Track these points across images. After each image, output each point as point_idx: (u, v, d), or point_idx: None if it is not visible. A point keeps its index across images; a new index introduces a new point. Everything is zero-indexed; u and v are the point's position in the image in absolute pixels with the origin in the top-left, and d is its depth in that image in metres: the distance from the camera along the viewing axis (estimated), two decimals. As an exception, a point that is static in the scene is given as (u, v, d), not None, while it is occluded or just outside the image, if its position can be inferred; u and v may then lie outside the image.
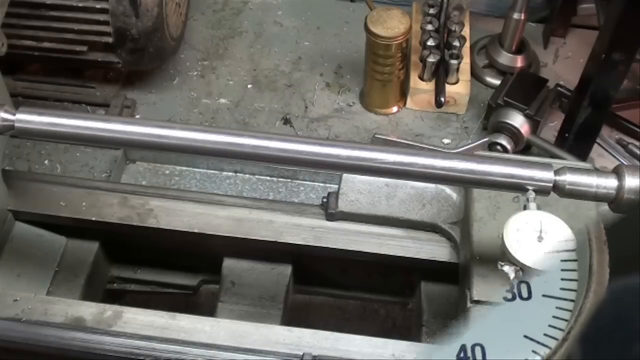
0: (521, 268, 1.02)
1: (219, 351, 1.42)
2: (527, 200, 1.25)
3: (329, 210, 1.63)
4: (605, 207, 1.55)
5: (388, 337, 1.51)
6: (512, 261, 1.03)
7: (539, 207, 1.22)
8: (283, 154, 1.33)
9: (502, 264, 1.03)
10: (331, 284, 1.87)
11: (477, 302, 1.41)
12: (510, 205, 1.52)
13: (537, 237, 1.08)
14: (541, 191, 1.31)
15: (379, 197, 1.62)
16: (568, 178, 1.29)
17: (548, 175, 1.30)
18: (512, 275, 1.01)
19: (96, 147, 2.19)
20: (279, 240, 1.65)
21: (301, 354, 1.36)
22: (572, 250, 1.04)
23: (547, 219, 1.09)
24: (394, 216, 1.62)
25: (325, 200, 1.64)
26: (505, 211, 1.50)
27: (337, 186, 1.64)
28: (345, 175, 1.61)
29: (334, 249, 1.65)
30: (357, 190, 1.61)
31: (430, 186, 1.61)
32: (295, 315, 1.92)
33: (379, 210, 1.62)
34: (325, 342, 1.48)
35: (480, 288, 1.41)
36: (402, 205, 1.62)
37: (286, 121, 2.32)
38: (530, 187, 1.27)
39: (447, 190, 1.61)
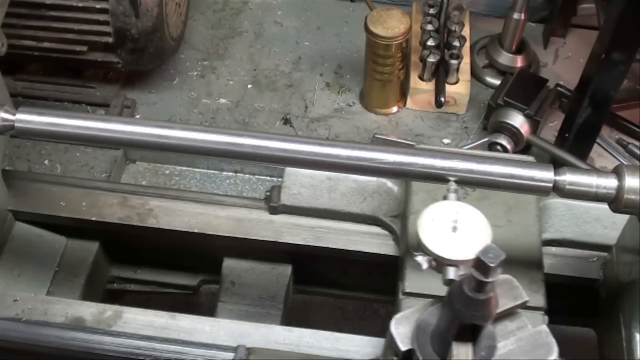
0: (435, 258, 1.01)
1: (219, 351, 1.42)
2: (448, 190, 1.25)
3: (271, 203, 1.62)
4: (548, 200, 1.56)
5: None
6: (426, 251, 1.02)
7: (458, 198, 1.21)
8: (283, 154, 1.33)
9: (416, 254, 1.02)
10: (331, 284, 1.87)
11: (409, 294, 1.41)
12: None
13: (452, 227, 1.07)
14: (541, 191, 1.31)
15: (321, 191, 1.61)
16: (568, 178, 1.29)
17: (548, 175, 1.30)
18: (425, 266, 1.01)
19: (96, 147, 2.19)
20: (279, 240, 1.65)
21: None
22: (487, 240, 1.04)
23: (463, 210, 1.09)
24: (335, 209, 1.61)
25: (268, 194, 1.64)
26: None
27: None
28: (288, 169, 1.60)
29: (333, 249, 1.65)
30: (299, 184, 1.60)
31: (372, 179, 1.59)
32: (295, 315, 1.92)
33: (321, 203, 1.61)
34: (325, 342, 1.48)
35: (412, 280, 1.42)
36: (344, 198, 1.61)
37: (286, 121, 2.33)
38: (451, 179, 1.27)
39: (389, 183, 1.60)
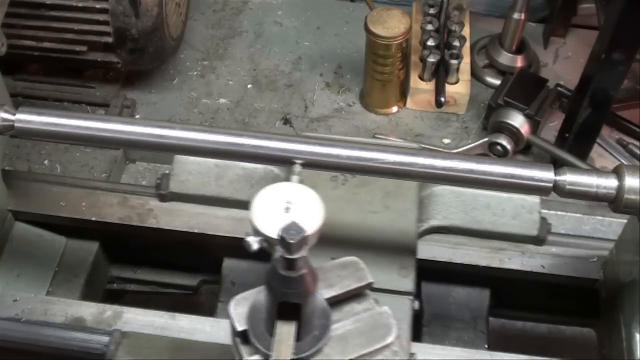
0: (265, 239, 1.02)
1: (94, 335, 1.43)
2: (292, 173, 1.26)
3: (160, 191, 1.61)
4: (435, 188, 1.56)
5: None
6: (256, 231, 1.03)
7: (301, 181, 1.21)
8: (283, 154, 1.33)
9: (248, 234, 1.03)
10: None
11: None
12: (327, 183, 1.53)
13: (285, 208, 1.06)
14: (541, 191, 1.31)
15: (208, 178, 1.60)
16: (568, 178, 1.29)
17: (548, 175, 1.30)
18: (255, 246, 1.01)
19: (96, 147, 2.19)
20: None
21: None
22: (319, 221, 1.05)
23: (299, 191, 1.09)
24: (222, 196, 1.60)
25: (158, 181, 1.63)
26: (321, 190, 1.49)
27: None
28: (177, 157, 1.59)
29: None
30: (187, 171, 1.59)
31: (259, 167, 1.59)
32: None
33: (209, 190, 1.60)
34: (325, 342, 1.48)
35: None
36: (231, 185, 1.60)
37: (286, 121, 2.33)
38: (297, 162, 1.29)
39: (275, 170, 1.59)
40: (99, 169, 2.21)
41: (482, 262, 1.71)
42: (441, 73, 2.27)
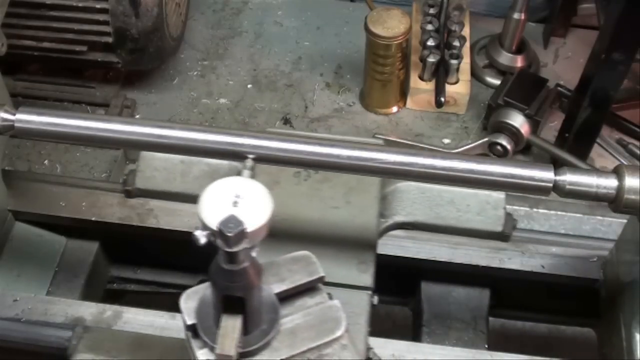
0: (212, 233, 1.03)
1: (58, 330, 1.43)
2: (244, 167, 1.26)
3: (126, 187, 1.61)
4: (400, 184, 1.56)
5: (388, 337, 1.51)
6: (204, 225, 1.03)
7: (253, 176, 1.22)
8: (283, 154, 1.33)
9: (197, 227, 1.04)
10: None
11: None
12: (290, 179, 1.53)
13: (233, 202, 1.06)
14: (542, 191, 1.31)
15: (174, 174, 1.60)
16: (568, 178, 1.29)
17: (548, 175, 1.30)
18: (202, 240, 1.01)
19: (96, 147, 2.19)
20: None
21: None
22: (267, 215, 1.06)
23: (248, 185, 1.09)
24: (187, 193, 1.60)
25: (125, 177, 1.63)
26: (284, 186, 1.52)
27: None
28: (143, 153, 1.59)
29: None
30: (153, 168, 1.60)
31: (224, 163, 1.58)
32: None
33: (174, 186, 1.60)
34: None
35: None
36: (196, 181, 1.60)
37: (286, 121, 2.33)
38: (249, 156, 1.30)
39: (240, 166, 1.60)
40: (99, 169, 2.21)
41: (482, 262, 1.71)
42: (441, 73, 2.27)
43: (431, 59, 2.24)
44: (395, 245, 1.67)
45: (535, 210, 1.93)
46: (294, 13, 2.59)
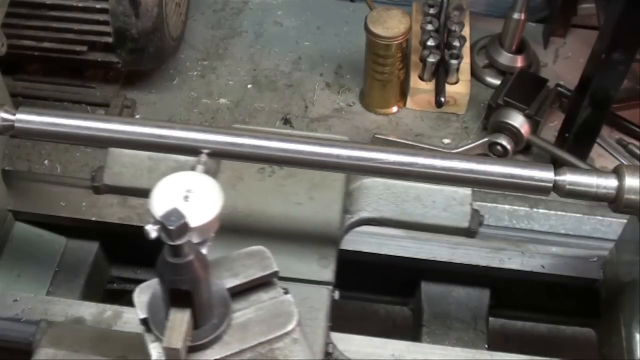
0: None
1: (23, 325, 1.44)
2: (198, 162, 1.27)
3: (94, 183, 1.60)
4: (366, 180, 1.57)
5: (388, 337, 1.51)
6: (154, 220, 1.04)
7: (206, 171, 1.22)
8: (283, 154, 1.33)
9: (148, 222, 1.04)
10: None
11: None
12: (253, 176, 1.53)
13: (184, 197, 1.09)
14: (541, 191, 1.32)
15: (141, 170, 1.59)
16: (568, 178, 1.29)
17: (548, 175, 1.30)
18: (153, 234, 1.02)
19: (96, 147, 2.19)
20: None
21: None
22: (217, 209, 1.08)
23: (200, 180, 1.11)
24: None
25: (94, 173, 1.62)
26: (247, 182, 1.53)
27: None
28: (112, 149, 1.58)
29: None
30: (121, 164, 1.58)
31: (191, 159, 1.57)
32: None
33: (142, 183, 1.58)
34: (324, 342, 1.48)
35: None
36: (163, 178, 1.61)
37: (286, 121, 2.32)
38: (204, 151, 1.31)
39: (208, 162, 1.60)
40: (99, 169, 2.21)
41: (482, 262, 1.71)
42: (441, 73, 2.27)
43: (431, 59, 2.24)
44: (395, 245, 1.68)
45: (535, 210, 1.93)
46: (294, 13, 2.59)
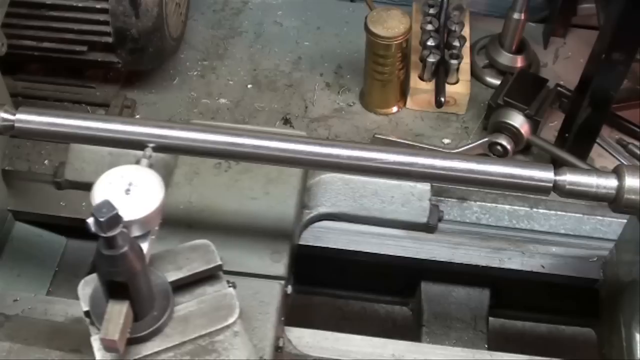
0: None
1: None
2: (143, 156, 1.28)
3: (56, 179, 1.61)
4: (324, 175, 1.57)
5: (388, 337, 1.51)
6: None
7: (151, 165, 1.24)
8: (283, 154, 1.33)
9: (91, 214, 1.06)
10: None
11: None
12: (210, 170, 1.55)
13: (125, 190, 1.12)
14: (541, 191, 1.32)
15: (102, 166, 1.58)
16: (568, 178, 1.29)
17: (548, 175, 1.30)
18: (93, 228, 1.04)
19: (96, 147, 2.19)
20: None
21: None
22: (157, 202, 1.11)
23: (142, 174, 1.14)
24: None
25: (56, 169, 1.63)
26: (203, 177, 1.54)
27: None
28: (72, 145, 1.59)
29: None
30: (82, 159, 1.59)
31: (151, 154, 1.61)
32: (295, 315, 1.91)
33: None
34: (325, 342, 1.48)
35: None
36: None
37: (286, 121, 2.33)
38: (149, 145, 1.33)
39: (167, 157, 1.60)
40: (99, 169, 2.21)
41: (482, 262, 1.71)
42: (441, 73, 2.27)
43: (431, 59, 2.24)
44: (395, 245, 1.68)
45: (535, 210, 1.93)
46: (294, 13, 2.59)
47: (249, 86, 2.41)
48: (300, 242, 1.64)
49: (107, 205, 0.98)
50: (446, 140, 2.28)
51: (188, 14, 2.48)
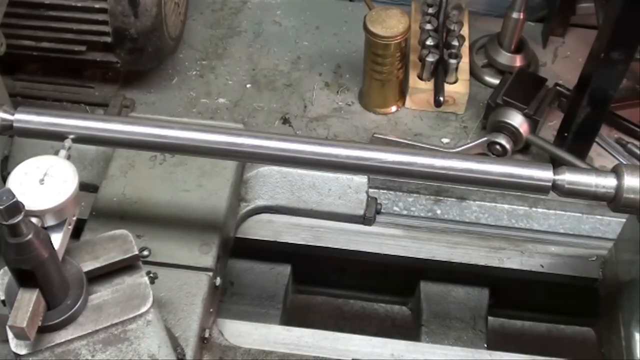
0: None
1: None
2: (63, 147, 1.29)
3: (3, 172, 1.62)
4: (262, 168, 1.58)
5: (387, 337, 1.51)
6: None
7: (69, 157, 1.25)
8: (283, 154, 1.33)
9: None
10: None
11: None
12: (145, 163, 1.57)
13: (40, 180, 1.14)
14: (540, 190, 1.32)
15: None
16: (567, 177, 1.29)
17: (547, 174, 1.30)
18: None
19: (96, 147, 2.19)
20: (279, 240, 1.65)
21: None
22: (69, 192, 1.13)
23: (57, 164, 1.17)
24: None
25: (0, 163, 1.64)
26: (138, 170, 1.57)
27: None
28: (16, 139, 1.61)
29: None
30: (23, 154, 1.60)
31: (92, 148, 1.63)
32: (295, 315, 1.92)
33: None
34: (325, 342, 1.48)
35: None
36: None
37: (285, 121, 2.32)
38: (69, 136, 1.33)
39: (109, 151, 1.62)
40: (98, 169, 2.21)
41: (481, 262, 1.71)
42: (440, 72, 2.27)
43: (430, 59, 2.24)
44: (395, 245, 1.68)
45: (534, 209, 1.93)
46: (293, 13, 2.59)
47: (248, 86, 2.41)
48: (300, 242, 1.64)
49: (7, 193, 0.99)
50: (445, 140, 2.28)
51: (187, 14, 2.47)
